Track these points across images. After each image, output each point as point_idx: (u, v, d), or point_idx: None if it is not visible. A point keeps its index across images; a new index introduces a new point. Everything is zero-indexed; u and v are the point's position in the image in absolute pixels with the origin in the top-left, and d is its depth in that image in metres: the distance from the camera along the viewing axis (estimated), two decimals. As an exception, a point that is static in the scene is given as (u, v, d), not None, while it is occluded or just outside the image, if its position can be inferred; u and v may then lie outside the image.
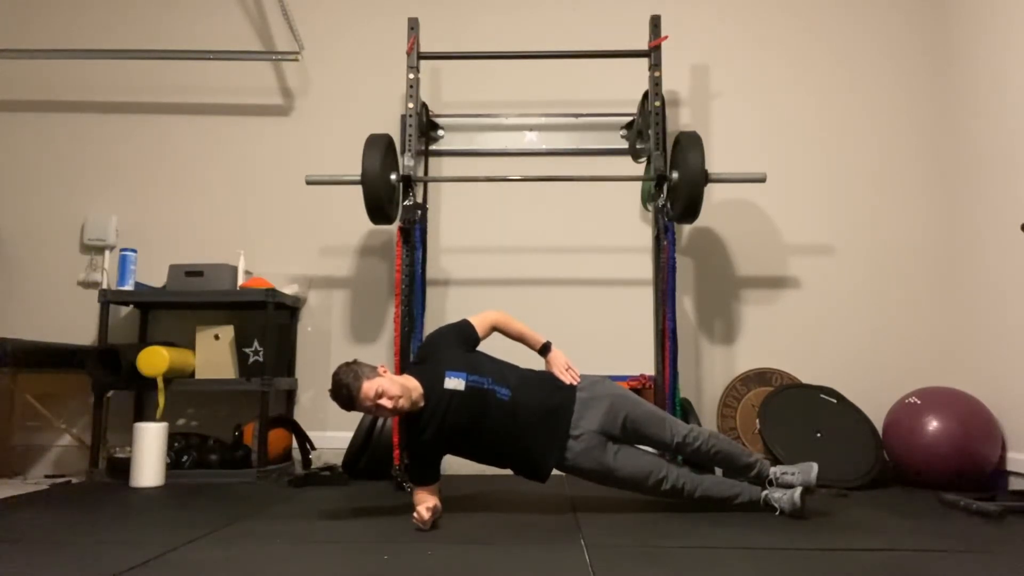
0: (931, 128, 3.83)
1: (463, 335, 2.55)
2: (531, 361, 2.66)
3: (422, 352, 2.63)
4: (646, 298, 3.65)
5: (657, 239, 3.35)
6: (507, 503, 2.27)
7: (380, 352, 3.76)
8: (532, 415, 2.43)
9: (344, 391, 2.29)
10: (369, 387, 2.27)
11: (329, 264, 3.86)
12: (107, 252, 3.85)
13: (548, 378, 2.57)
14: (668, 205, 3.26)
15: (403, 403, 2.32)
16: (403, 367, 3.16)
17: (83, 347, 3.59)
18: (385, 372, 2.36)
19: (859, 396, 3.47)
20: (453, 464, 3.56)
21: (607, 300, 3.77)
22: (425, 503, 2.30)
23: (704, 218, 3.44)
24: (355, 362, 2.37)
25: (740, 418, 3.51)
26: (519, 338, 2.64)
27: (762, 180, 3.27)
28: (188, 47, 3.93)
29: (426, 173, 3.83)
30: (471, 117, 3.88)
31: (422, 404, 2.38)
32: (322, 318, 3.82)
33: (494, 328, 2.62)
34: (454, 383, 2.39)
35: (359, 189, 3.21)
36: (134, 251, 3.56)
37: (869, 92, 3.88)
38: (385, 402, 2.28)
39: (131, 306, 3.75)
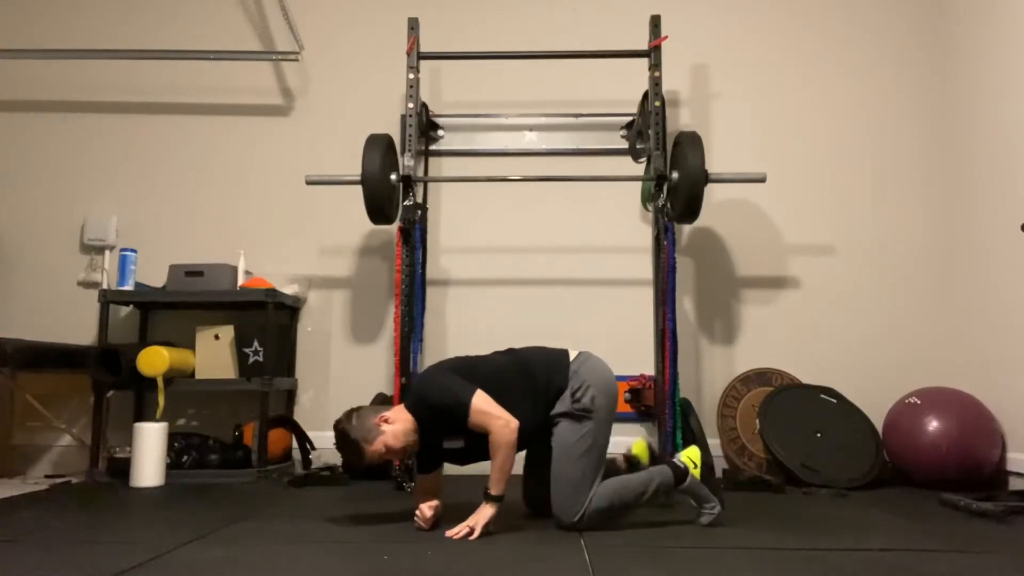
0: (931, 128, 3.83)
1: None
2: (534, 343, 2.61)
3: (414, 390, 2.37)
4: (646, 298, 3.65)
5: (657, 239, 3.35)
6: (506, 503, 2.26)
7: (380, 352, 3.76)
8: (529, 434, 2.34)
9: (350, 459, 2.28)
10: (374, 452, 2.23)
11: (329, 264, 3.86)
12: (107, 252, 3.85)
13: (542, 386, 2.38)
14: (668, 205, 3.26)
15: (411, 450, 2.31)
16: (403, 369, 3.17)
17: (83, 347, 3.59)
18: (384, 422, 2.25)
19: (859, 396, 3.47)
20: (453, 464, 3.57)
21: (607, 300, 3.77)
22: (428, 502, 2.30)
23: (704, 218, 3.44)
24: (354, 416, 2.26)
25: (740, 418, 3.51)
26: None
27: (762, 180, 3.27)
28: (188, 47, 3.93)
29: (426, 173, 3.83)
30: (471, 117, 3.88)
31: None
32: (322, 318, 3.82)
33: (487, 433, 2.23)
34: (453, 443, 2.34)
35: (359, 189, 3.21)
36: (134, 251, 3.56)
37: (869, 92, 3.88)
38: (394, 460, 2.31)
39: (131, 306, 3.75)
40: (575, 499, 2.26)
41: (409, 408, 2.30)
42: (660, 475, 2.35)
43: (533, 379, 2.36)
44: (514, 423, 2.21)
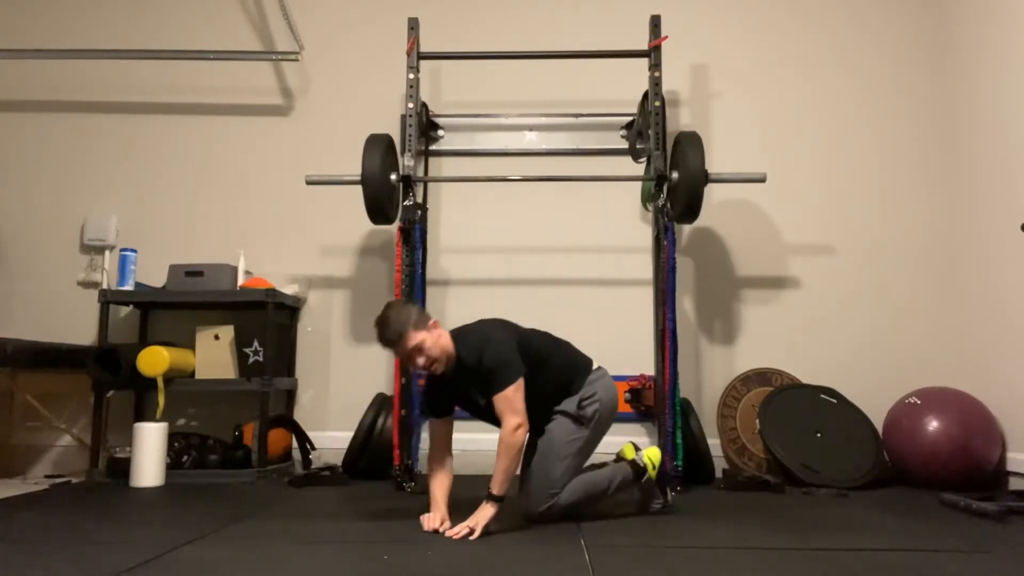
0: (931, 128, 3.83)
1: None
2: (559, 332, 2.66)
3: (475, 330, 2.40)
4: (646, 298, 3.64)
5: (657, 239, 3.35)
6: (507, 503, 2.26)
7: (380, 352, 3.75)
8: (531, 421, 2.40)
9: (388, 332, 2.26)
10: (413, 337, 2.24)
11: (329, 264, 3.85)
12: (107, 252, 3.85)
13: (564, 383, 2.48)
14: (668, 205, 3.26)
15: (437, 367, 2.30)
16: (403, 369, 3.16)
17: (83, 347, 3.59)
18: (435, 327, 2.31)
19: (859, 396, 3.47)
20: (454, 464, 3.57)
21: (607, 300, 3.77)
22: (442, 517, 2.26)
23: (704, 218, 3.44)
24: (410, 304, 2.32)
25: (740, 418, 3.51)
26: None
27: (762, 180, 3.27)
28: (188, 47, 3.93)
29: (426, 173, 3.83)
30: (471, 117, 3.88)
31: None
32: (322, 318, 3.82)
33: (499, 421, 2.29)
34: (480, 398, 2.37)
35: (359, 189, 3.21)
36: (134, 251, 3.56)
37: (869, 92, 3.88)
38: (420, 360, 2.27)
39: (131, 306, 3.75)
40: (549, 492, 2.36)
41: (456, 343, 2.34)
42: (622, 472, 2.52)
43: (562, 374, 2.47)
44: (524, 429, 2.25)
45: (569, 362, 2.52)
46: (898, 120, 3.85)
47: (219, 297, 3.48)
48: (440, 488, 2.37)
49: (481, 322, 2.46)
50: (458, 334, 2.38)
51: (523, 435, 2.25)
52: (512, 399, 2.24)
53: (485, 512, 2.20)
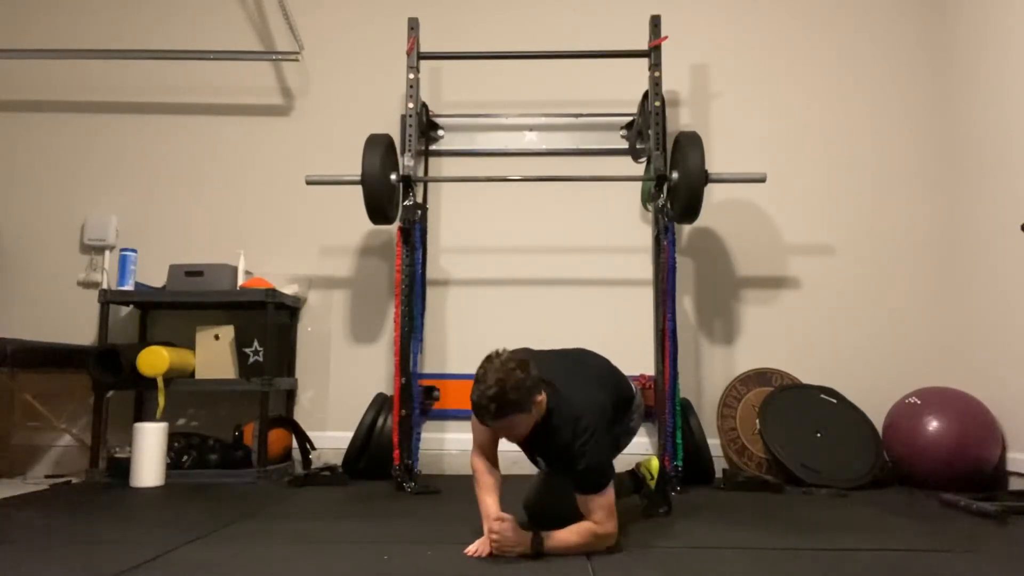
0: (931, 128, 3.82)
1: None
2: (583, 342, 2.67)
3: (571, 402, 2.08)
4: (646, 298, 3.64)
5: (657, 239, 3.35)
6: (508, 503, 2.26)
7: (380, 352, 3.76)
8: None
9: (494, 405, 1.91)
10: (515, 418, 1.95)
11: (329, 264, 3.85)
12: (107, 252, 3.85)
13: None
14: (668, 205, 3.26)
15: (515, 441, 2.10)
16: (403, 369, 3.16)
17: (83, 347, 3.59)
18: (540, 402, 2.01)
19: (859, 396, 3.47)
20: (454, 464, 3.57)
21: (607, 300, 3.76)
22: (493, 505, 2.07)
23: (704, 218, 3.44)
24: (532, 371, 1.96)
25: (740, 418, 3.51)
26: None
27: (762, 180, 3.27)
28: (188, 47, 3.93)
29: (426, 173, 3.83)
30: (471, 117, 3.88)
31: None
32: (322, 318, 3.82)
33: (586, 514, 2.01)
34: (542, 464, 2.30)
35: (359, 189, 3.21)
36: (134, 251, 3.56)
37: (870, 92, 3.88)
38: (503, 436, 2.08)
39: (131, 306, 3.75)
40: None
41: (554, 415, 2.04)
42: (622, 486, 2.49)
43: (619, 423, 2.35)
44: (613, 540, 2.02)
45: (624, 408, 2.39)
46: (898, 120, 3.85)
47: (219, 297, 3.48)
48: (493, 497, 2.11)
49: (573, 385, 2.12)
50: (552, 393, 2.05)
51: (609, 545, 2.01)
52: (611, 501, 2.00)
53: (523, 543, 1.96)
